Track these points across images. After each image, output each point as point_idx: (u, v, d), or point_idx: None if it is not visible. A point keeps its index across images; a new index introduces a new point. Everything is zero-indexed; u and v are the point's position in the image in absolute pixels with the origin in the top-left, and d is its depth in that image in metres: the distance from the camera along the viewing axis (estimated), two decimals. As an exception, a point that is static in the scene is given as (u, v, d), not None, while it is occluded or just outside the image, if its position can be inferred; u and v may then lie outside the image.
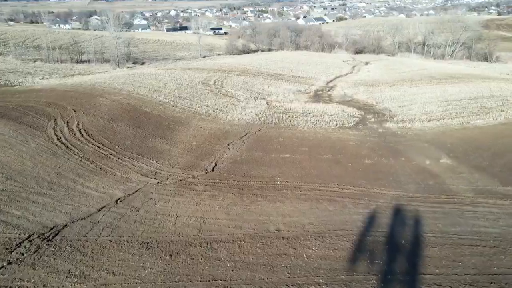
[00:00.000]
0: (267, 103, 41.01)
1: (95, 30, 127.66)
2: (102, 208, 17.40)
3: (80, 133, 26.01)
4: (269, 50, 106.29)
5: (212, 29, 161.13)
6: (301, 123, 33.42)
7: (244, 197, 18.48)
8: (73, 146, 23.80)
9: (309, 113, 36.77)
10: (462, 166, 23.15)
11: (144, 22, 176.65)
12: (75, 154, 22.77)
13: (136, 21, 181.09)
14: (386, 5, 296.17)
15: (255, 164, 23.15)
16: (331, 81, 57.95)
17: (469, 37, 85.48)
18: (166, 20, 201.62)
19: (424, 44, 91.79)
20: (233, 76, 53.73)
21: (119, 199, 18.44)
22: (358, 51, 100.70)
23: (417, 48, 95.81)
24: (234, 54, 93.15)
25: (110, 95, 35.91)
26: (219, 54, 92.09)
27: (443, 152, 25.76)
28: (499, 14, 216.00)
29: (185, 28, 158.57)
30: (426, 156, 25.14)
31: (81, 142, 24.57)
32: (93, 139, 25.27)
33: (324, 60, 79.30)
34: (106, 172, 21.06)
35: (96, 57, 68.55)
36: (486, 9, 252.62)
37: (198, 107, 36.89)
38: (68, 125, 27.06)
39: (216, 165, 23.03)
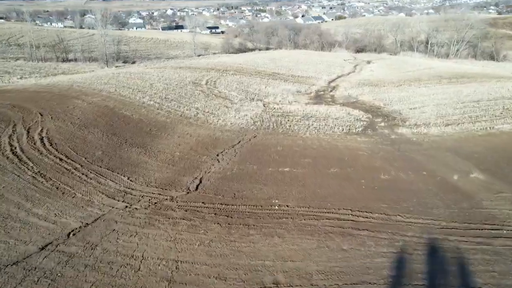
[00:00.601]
0: (264, 105, 36.85)
1: (89, 28, 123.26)
2: (46, 245, 13.20)
3: (42, 142, 21.75)
4: (267, 49, 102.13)
5: (209, 28, 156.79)
6: (302, 128, 29.25)
7: (233, 228, 14.31)
8: (28, 159, 19.54)
9: (311, 117, 32.62)
10: (498, 183, 19.05)
11: (140, 21, 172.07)
12: (28, 169, 18.52)
13: (131, 20, 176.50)
14: (385, 4, 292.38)
15: (248, 180, 18.98)
16: (332, 80, 53.84)
17: (475, 35, 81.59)
18: (163, 19, 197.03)
19: (427, 43, 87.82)
20: (228, 76, 49.54)
21: (72, 231, 14.24)
22: (359, 50, 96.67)
23: (420, 47, 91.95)
24: (230, 53, 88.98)
25: (87, 97, 31.65)
26: (214, 53, 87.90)
27: (471, 164, 21.66)
28: (499, 13, 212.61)
29: (181, 27, 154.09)
30: (451, 169, 21.03)
31: (40, 153, 20.32)
32: (56, 150, 21.01)
33: (325, 59, 75.23)
34: (63, 193, 16.84)
35: (83, 55, 64.22)
36: (485, 8, 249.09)
37: (187, 109, 32.68)
38: (28, 132, 22.79)
39: (201, 182, 18.85)
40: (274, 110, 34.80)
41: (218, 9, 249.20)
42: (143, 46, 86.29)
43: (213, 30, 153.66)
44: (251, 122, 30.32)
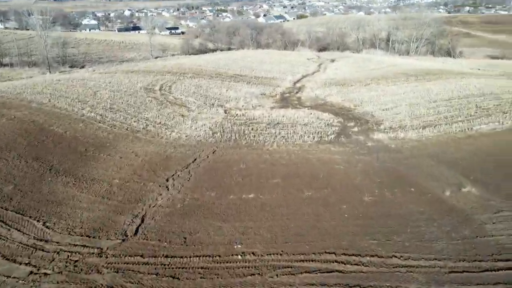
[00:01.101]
0: (225, 112, 32.85)
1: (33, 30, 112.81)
2: None
3: None
4: (229, 49, 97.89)
5: (168, 28, 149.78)
6: (268, 138, 25.61)
7: (179, 299, 10.33)
8: None
9: (278, 124, 29.06)
10: (494, 198, 16.38)
11: (94, 22, 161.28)
12: None
13: (85, 21, 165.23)
14: (344, 4, 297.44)
15: (203, 215, 14.99)
16: (298, 81, 50.78)
17: (432, 33, 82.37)
18: (119, 20, 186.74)
19: (388, 40, 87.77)
20: (185, 79, 44.97)
21: None
22: (322, 49, 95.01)
23: (381, 44, 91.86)
24: (190, 54, 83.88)
25: (11, 110, 26.10)
26: (173, 55, 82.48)
27: (458, 174, 18.98)
28: (448, 12, 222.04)
29: (138, 28, 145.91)
30: (440, 181, 18.21)
31: None
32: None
33: (288, 59, 72.32)
34: None
35: (21, 59, 56.81)
36: (436, 8, 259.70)
37: (135, 121, 28.00)
38: None
39: (142, 221, 14.60)
40: (236, 117, 30.91)
41: (178, 10, 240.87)
42: (95, 49, 79.11)
43: (173, 31, 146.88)
44: (210, 134, 26.24)
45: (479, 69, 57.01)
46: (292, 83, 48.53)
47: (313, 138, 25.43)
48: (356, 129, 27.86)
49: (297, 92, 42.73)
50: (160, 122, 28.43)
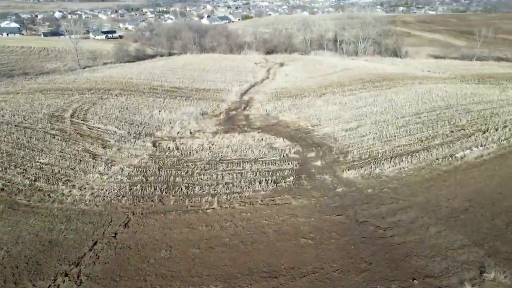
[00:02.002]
0: (153, 145, 25.29)
1: None
2: None
3: None
4: (170, 54, 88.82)
5: (105, 32, 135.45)
6: (207, 188, 18.69)
7: None
8: None
9: (221, 161, 22.23)
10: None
11: (15, 25, 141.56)
12: None
13: (3, 24, 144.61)
14: (287, 4, 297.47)
15: None
16: (245, 92, 44.28)
17: (378, 32, 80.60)
18: (47, 23, 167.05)
19: (336, 41, 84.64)
20: (110, 98, 36.41)
21: None
22: (270, 51, 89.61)
23: (329, 45, 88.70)
24: (125, 62, 73.78)
25: None
26: (105, 63, 71.88)
27: (470, 242, 13.59)
28: (386, 12, 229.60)
29: (76, 32, 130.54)
30: (448, 260, 12.64)
31: None
32: None
33: (234, 64, 65.66)
34: None
35: None
36: (374, 7, 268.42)
37: (20, 173, 19.60)
38: None
39: None
40: (167, 153, 23.57)
41: (116, 12, 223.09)
42: (5, 59, 66.04)
43: (110, 35, 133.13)
44: (127, 187, 18.71)
45: (429, 71, 54.66)
46: (239, 96, 41.88)
47: (267, 185, 18.94)
48: (319, 163, 21.86)
49: (245, 108, 36.15)
50: (58, 172, 20.26)
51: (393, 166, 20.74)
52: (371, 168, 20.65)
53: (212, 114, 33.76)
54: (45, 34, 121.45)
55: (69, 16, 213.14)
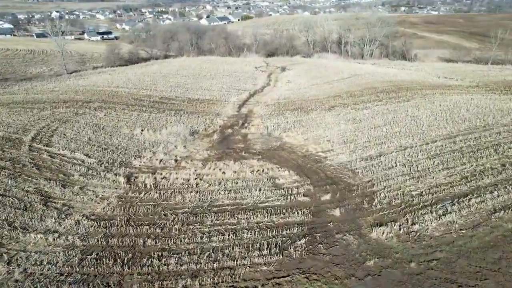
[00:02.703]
0: (127, 180, 19.94)
1: None
2: None
3: None
4: (166, 57, 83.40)
5: (100, 33, 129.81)
6: (187, 262, 13.35)
7: None
8: None
9: (209, 209, 16.91)
10: None
11: (8, 26, 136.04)
12: None
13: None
14: (288, 4, 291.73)
15: None
16: (244, 103, 38.93)
17: (385, 34, 74.99)
18: (42, 24, 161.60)
19: (340, 43, 79.10)
20: (86, 114, 31.05)
21: None
22: (270, 53, 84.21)
23: (332, 47, 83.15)
24: (116, 66, 68.44)
25: None
26: (95, 67, 66.43)
27: None
28: (388, 12, 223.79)
29: (62, 33, 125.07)
30: None
31: None
32: None
33: (233, 69, 60.28)
34: None
35: None
36: (374, 7, 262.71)
37: None
38: None
39: None
40: (142, 196, 18.24)
41: (114, 12, 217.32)
42: (-14, 63, 60.82)
43: (105, 36, 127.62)
44: (75, 260, 13.34)
45: (446, 77, 49.24)
46: (236, 108, 36.54)
47: (270, 253, 13.58)
48: (337, 212, 16.49)
49: (243, 125, 30.77)
50: (-11, 228, 14.92)
51: (436, 219, 15.38)
52: (407, 221, 15.30)
53: (204, 134, 28.38)
54: (38, 35, 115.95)
55: (66, 16, 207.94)
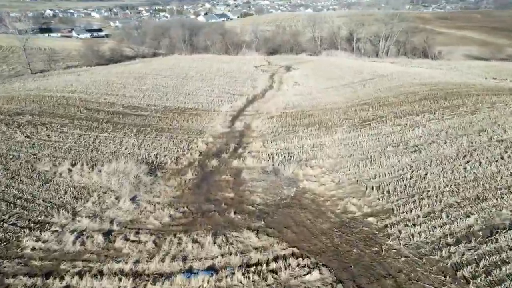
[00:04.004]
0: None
1: None
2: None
3: None
4: (155, 55, 72.52)
5: (90, 31, 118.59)
6: None
7: None
8: None
9: None
10: None
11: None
12: None
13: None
14: (288, 2, 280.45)
15: None
16: (239, 113, 28.11)
17: (404, 29, 64.04)
18: (31, 21, 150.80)
19: (352, 40, 68.07)
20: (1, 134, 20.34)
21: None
22: (272, 51, 73.25)
23: (342, 44, 72.22)
24: (95, 65, 57.60)
25: None
26: (67, 67, 55.49)
27: None
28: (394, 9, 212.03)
29: (49, 30, 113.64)
30: None
31: None
32: None
33: (229, 68, 49.39)
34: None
35: None
36: (375, 6, 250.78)
37: None
38: None
39: None
40: None
41: (110, 10, 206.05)
42: None
43: (95, 34, 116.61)
44: None
45: (494, 78, 38.49)
46: (228, 121, 25.72)
47: None
48: None
49: (235, 151, 19.92)
50: None
51: None
52: None
53: (172, 170, 17.50)
54: (20, 32, 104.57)
55: (60, 15, 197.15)
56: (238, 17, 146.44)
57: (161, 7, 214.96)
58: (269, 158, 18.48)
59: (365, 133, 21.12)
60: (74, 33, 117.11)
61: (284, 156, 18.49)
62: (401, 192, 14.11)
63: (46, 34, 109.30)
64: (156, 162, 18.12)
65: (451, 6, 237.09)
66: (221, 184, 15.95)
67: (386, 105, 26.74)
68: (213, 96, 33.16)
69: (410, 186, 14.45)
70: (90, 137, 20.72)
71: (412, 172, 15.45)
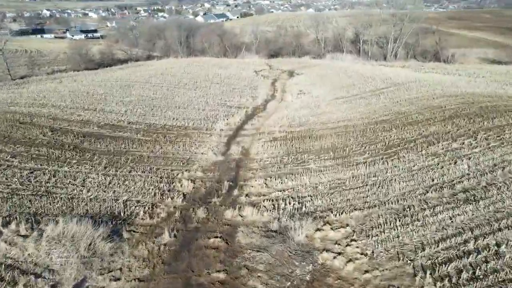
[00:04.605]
0: None
1: None
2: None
3: None
4: (148, 58, 67.88)
5: (84, 32, 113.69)
6: None
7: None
8: None
9: None
10: None
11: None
12: None
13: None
14: (289, 2, 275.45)
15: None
16: (236, 133, 23.58)
17: (415, 30, 59.32)
18: (26, 21, 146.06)
19: (358, 41, 63.26)
20: None
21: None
22: (274, 54, 68.56)
23: (347, 46, 67.44)
24: (83, 70, 52.97)
25: None
26: (53, 71, 50.88)
27: None
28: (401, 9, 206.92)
29: (42, 31, 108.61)
30: None
31: None
32: None
33: (226, 74, 44.81)
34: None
35: None
36: (377, 5, 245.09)
37: None
38: None
39: None
40: None
41: (108, 10, 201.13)
42: None
43: (90, 35, 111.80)
44: None
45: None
46: (223, 144, 21.16)
47: None
48: None
49: (229, 193, 15.33)
50: None
51: None
52: None
53: (144, 227, 12.92)
54: (12, 33, 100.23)
55: (57, 15, 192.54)
56: (237, 17, 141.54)
57: (160, 7, 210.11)
58: (273, 206, 13.94)
59: (393, 167, 16.56)
60: (68, 34, 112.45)
61: (293, 204, 13.94)
62: (468, 281, 9.53)
63: (39, 35, 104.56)
64: (125, 213, 13.57)
65: (453, 5, 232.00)
66: (208, 255, 11.38)
67: (410, 124, 22.15)
68: (207, 109, 28.61)
69: (480, 268, 9.86)
70: (45, 174, 16.15)
71: (476, 242, 10.86)
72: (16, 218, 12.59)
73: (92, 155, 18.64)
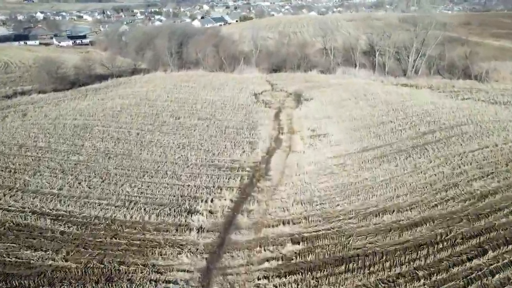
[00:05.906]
0: None
1: None
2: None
3: None
4: (133, 72, 58.31)
5: (71, 37, 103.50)
6: None
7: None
8: None
9: None
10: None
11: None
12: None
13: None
14: (289, 4, 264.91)
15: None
16: (224, 236, 14.40)
17: (441, 40, 49.66)
18: (13, 24, 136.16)
19: (374, 53, 53.62)
20: None
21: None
22: (276, 68, 59.06)
23: (359, 58, 57.97)
24: (51, 91, 43.57)
25: None
26: (14, 94, 41.53)
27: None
28: (402, 11, 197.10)
29: (25, 38, 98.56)
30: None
31: None
32: None
33: (219, 100, 35.44)
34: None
35: None
36: (382, 7, 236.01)
37: None
38: None
39: None
40: None
41: (103, 12, 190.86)
42: None
43: (78, 41, 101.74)
44: None
45: None
46: (196, 281, 11.79)
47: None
48: None
49: None
50: None
51: None
52: None
53: None
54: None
55: (52, 18, 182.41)
56: (236, 20, 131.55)
57: (157, 9, 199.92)
58: None
59: None
60: (54, 40, 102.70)
61: None
62: None
63: (22, 42, 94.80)
64: None
65: (458, 7, 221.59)
66: None
67: (502, 229, 12.87)
68: (184, 177, 19.31)
69: None
70: None
71: None
72: None
73: None
